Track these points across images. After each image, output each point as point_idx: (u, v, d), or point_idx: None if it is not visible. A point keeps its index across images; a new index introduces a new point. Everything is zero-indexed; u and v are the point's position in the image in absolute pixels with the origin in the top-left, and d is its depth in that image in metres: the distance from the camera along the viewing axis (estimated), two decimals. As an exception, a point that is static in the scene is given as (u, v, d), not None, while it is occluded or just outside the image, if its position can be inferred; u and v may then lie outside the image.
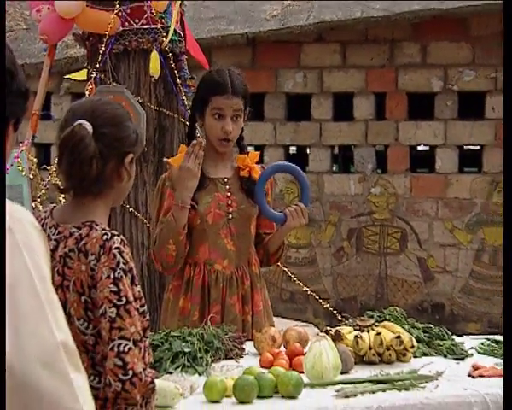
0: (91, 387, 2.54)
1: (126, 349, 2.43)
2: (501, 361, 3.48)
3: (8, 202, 2.18)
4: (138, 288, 2.54)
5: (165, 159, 3.98)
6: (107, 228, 2.57)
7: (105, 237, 2.51)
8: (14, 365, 1.98)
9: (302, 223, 3.89)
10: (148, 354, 2.53)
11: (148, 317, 2.58)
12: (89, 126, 2.56)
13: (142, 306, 2.54)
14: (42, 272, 2.15)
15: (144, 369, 2.45)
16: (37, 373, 2.02)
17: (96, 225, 2.56)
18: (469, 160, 8.39)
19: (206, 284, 3.84)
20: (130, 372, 2.42)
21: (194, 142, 3.71)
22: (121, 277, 2.48)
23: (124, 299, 2.47)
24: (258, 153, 4.07)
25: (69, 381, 2.07)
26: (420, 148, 8.42)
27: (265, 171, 3.89)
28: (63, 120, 2.67)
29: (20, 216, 2.21)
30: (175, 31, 4.89)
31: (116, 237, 2.52)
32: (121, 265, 2.49)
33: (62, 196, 4.05)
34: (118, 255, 2.49)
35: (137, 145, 2.73)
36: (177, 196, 3.71)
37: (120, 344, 2.44)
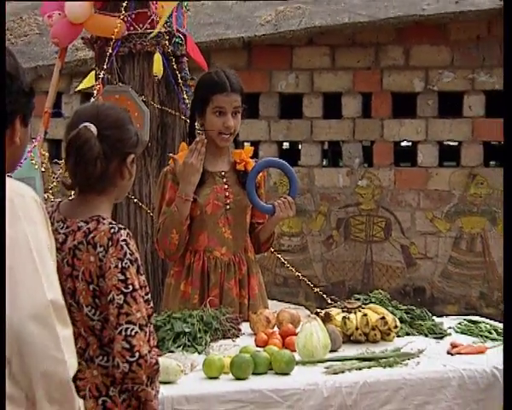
0: (100, 366, 2.58)
1: (133, 333, 2.45)
2: (477, 339, 3.52)
3: (12, 180, 2.31)
4: (143, 277, 2.56)
5: (170, 154, 3.99)
6: (114, 222, 2.58)
7: (112, 230, 2.53)
8: (11, 317, 2.16)
9: (290, 215, 3.92)
10: (153, 339, 2.54)
11: (151, 304, 2.59)
12: (93, 129, 2.57)
13: (146, 294, 2.56)
14: (38, 238, 2.27)
15: (149, 351, 2.47)
16: (28, 325, 2.18)
17: (103, 219, 2.57)
18: (448, 154, 8.39)
19: (206, 269, 3.85)
20: (137, 354, 2.44)
21: (197, 139, 3.73)
22: (128, 266, 2.50)
23: (130, 287, 2.49)
24: (252, 148, 4.08)
25: (55, 334, 2.22)
26: (403, 143, 8.42)
27: (256, 166, 3.89)
28: (69, 122, 2.68)
29: (21, 191, 2.33)
30: (177, 34, 4.91)
31: (123, 231, 2.54)
32: (128, 255, 2.51)
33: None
34: (125, 247, 2.51)
35: (138, 146, 2.74)
36: (181, 190, 3.72)
37: (127, 328, 2.45)
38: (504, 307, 2.43)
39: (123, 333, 2.45)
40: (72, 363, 2.32)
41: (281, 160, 4.04)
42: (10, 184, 2.31)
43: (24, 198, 2.36)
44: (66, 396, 2.33)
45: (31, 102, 2.55)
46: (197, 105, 3.91)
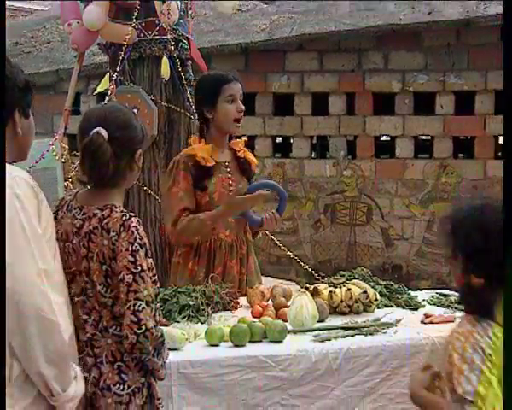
0: (114, 335, 2.57)
1: (140, 308, 2.45)
2: (447, 310, 3.52)
3: (7, 166, 2.38)
4: (151, 260, 2.55)
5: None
6: (125, 210, 2.57)
7: (124, 217, 2.52)
8: (8, 285, 2.24)
9: (274, 228, 3.99)
10: (159, 315, 2.55)
11: (158, 284, 2.59)
12: (105, 133, 2.54)
13: (153, 275, 2.56)
14: (29, 215, 2.34)
15: (155, 326, 2.47)
16: (22, 289, 2.25)
17: (116, 207, 2.56)
18: (422, 148, 8.36)
19: (212, 250, 3.83)
20: (144, 327, 2.44)
21: (262, 193, 3.72)
22: (137, 249, 2.49)
23: (139, 267, 2.48)
24: (245, 138, 4.04)
25: (48, 297, 2.29)
26: (383, 138, 8.38)
27: (252, 186, 3.85)
28: (81, 124, 2.66)
29: (15, 174, 2.39)
30: (182, 40, 4.88)
31: (133, 218, 2.53)
32: (138, 240, 2.50)
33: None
34: (135, 232, 2.50)
35: (144, 141, 2.72)
36: (224, 213, 3.73)
37: (135, 304, 2.45)
38: (504, 308, 2.34)
39: (131, 308, 2.45)
40: (66, 327, 2.35)
41: (273, 182, 4.04)
42: (8, 168, 2.37)
43: (16, 180, 2.38)
44: (64, 359, 2.35)
45: (27, 95, 2.58)
46: (207, 99, 3.82)
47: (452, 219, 2.36)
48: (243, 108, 3.82)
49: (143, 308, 2.45)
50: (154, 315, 2.48)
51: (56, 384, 2.32)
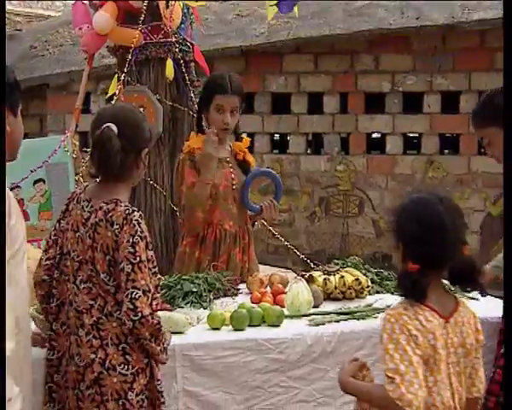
0: (119, 318, 2.56)
1: (137, 296, 2.46)
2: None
3: None
4: (151, 252, 2.56)
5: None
6: (129, 205, 2.57)
7: (127, 211, 2.52)
8: None
9: (273, 217, 3.90)
10: (157, 304, 2.54)
11: (159, 276, 2.61)
12: (115, 128, 2.55)
13: (154, 267, 2.57)
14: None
15: (151, 314, 2.47)
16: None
17: (121, 202, 2.56)
18: (411, 144, 8.34)
19: (217, 239, 3.80)
20: (139, 314, 2.45)
21: (208, 131, 3.67)
22: (138, 241, 2.49)
23: (138, 258, 2.49)
24: (249, 139, 4.02)
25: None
26: (374, 135, 8.34)
27: (250, 174, 3.82)
28: (94, 121, 2.66)
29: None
30: (186, 43, 4.86)
31: (136, 212, 2.54)
32: (138, 232, 2.50)
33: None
34: (137, 225, 2.50)
35: (151, 141, 2.73)
36: (202, 175, 3.67)
37: (133, 292, 2.46)
38: (504, 306, 2.39)
39: (129, 296, 2.46)
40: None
41: (270, 170, 3.99)
42: None
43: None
44: None
45: (14, 93, 2.47)
46: (203, 102, 3.84)
47: (396, 211, 2.43)
48: (229, 121, 3.74)
49: (140, 296, 2.45)
50: (151, 304, 2.48)
51: None
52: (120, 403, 2.51)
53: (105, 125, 2.56)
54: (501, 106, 2.53)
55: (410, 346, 2.23)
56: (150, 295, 2.49)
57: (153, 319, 2.47)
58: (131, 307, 2.45)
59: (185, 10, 4.87)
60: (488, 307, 3.14)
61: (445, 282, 2.42)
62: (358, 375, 2.44)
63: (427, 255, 2.31)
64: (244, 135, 4.01)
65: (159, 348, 2.53)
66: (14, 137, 2.51)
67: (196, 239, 3.80)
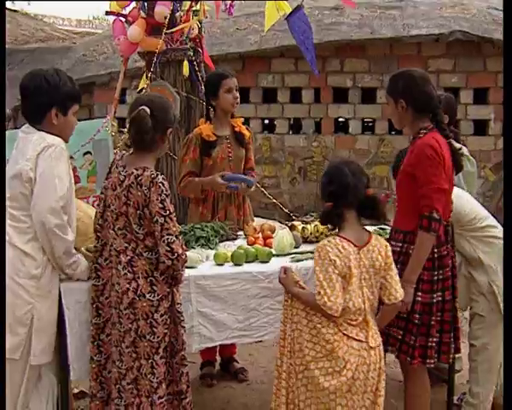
0: (147, 258, 2.48)
1: (172, 241, 2.42)
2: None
3: (47, 135, 2.52)
4: (172, 207, 2.50)
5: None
6: (154, 170, 2.50)
7: (153, 175, 2.46)
8: (34, 217, 2.43)
9: (247, 193, 3.71)
10: (183, 244, 2.50)
11: (177, 225, 2.55)
12: (148, 110, 2.48)
13: (175, 217, 2.51)
14: (61, 175, 2.48)
15: (183, 252, 2.45)
16: (46, 217, 2.44)
17: (148, 168, 2.49)
18: (367, 127, 8.24)
19: (215, 198, 3.71)
20: (176, 254, 2.42)
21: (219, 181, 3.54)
22: (164, 198, 2.44)
23: (168, 211, 2.43)
24: (242, 118, 3.86)
25: (67, 230, 2.51)
26: (340, 120, 8.22)
27: (228, 176, 3.56)
28: (132, 104, 2.59)
29: (53, 142, 2.49)
30: (197, 49, 4.74)
31: (160, 176, 2.47)
32: (164, 192, 2.44)
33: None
34: (161, 186, 2.44)
35: (175, 123, 2.65)
36: (204, 185, 3.61)
37: (168, 238, 2.42)
38: (504, 306, 2.32)
39: (165, 241, 2.41)
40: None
41: (243, 176, 3.69)
42: (46, 137, 2.50)
43: (55, 147, 2.47)
44: (70, 252, 2.54)
45: (67, 100, 2.59)
46: (211, 91, 3.70)
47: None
48: (238, 95, 3.68)
49: (174, 241, 2.41)
50: (182, 245, 2.46)
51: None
52: (148, 322, 2.48)
53: (141, 107, 2.49)
54: (395, 80, 2.97)
55: (331, 268, 2.38)
56: (180, 238, 2.46)
57: (183, 255, 2.45)
58: (169, 249, 2.41)
59: (199, 25, 4.77)
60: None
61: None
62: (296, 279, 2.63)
63: (332, 194, 2.48)
64: (241, 119, 3.89)
65: (184, 273, 2.54)
66: (62, 130, 2.58)
67: (199, 198, 3.71)
